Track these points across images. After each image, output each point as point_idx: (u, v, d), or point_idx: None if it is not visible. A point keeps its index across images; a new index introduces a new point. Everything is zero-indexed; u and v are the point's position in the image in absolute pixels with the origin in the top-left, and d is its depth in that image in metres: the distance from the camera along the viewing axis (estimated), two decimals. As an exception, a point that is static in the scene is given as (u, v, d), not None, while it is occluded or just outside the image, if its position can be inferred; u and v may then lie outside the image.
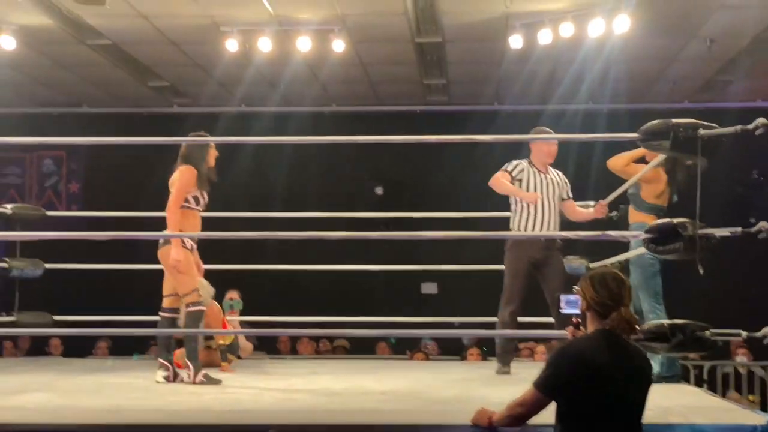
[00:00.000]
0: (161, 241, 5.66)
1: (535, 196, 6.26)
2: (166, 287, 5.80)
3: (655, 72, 10.37)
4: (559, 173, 6.58)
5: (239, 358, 6.88)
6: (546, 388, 3.33)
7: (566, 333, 3.56)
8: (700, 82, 10.77)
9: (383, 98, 11.67)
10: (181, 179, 5.73)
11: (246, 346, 7.76)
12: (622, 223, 6.76)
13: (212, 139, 5.93)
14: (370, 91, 11.40)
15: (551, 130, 6.43)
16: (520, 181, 6.41)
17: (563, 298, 3.53)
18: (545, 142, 6.36)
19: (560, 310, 3.53)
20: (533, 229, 6.34)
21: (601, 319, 3.33)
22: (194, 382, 5.37)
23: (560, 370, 3.31)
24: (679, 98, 11.15)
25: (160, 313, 5.77)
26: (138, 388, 5.19)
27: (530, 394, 3.38)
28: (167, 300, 5.77)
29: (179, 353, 5.80)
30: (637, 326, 3.37)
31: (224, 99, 11.29)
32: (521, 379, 5.75)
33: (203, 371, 5.44)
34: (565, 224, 6.50)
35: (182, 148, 5.92)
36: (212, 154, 5.92)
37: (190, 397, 4.72)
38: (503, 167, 6.52)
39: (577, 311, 3.49)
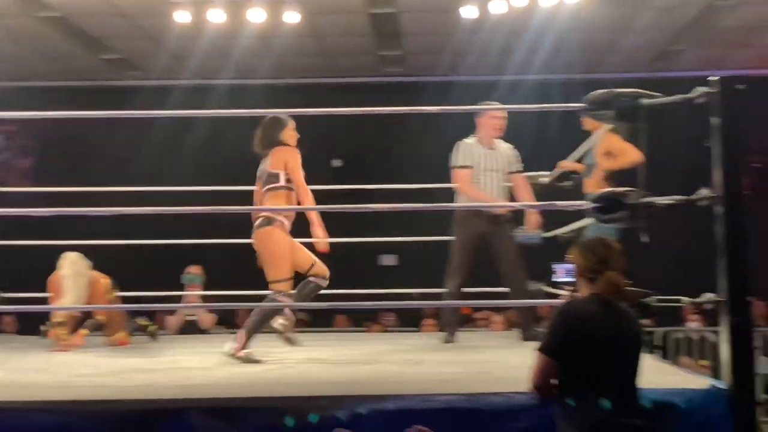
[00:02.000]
0: (261, 221, 5.37)
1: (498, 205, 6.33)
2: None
3: (609, 42, 10.43)
4: (510, 147, 6.58)
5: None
6: (552, 350, 3.40)
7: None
8: (654, 52, 10.85)
9: (339, 70, 11.64)
10: (295, 160, 5.44)
11: (206, 318, 7.76)
12: (576, 194, 6.81)
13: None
14: (326, 64, 11.37)
15: (498, 104, 6.45)
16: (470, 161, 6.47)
17: (560, 267, 3.63)
18: (491, 116, 6.42)
19: (556, 279, 3.61)
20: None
21: (591, 284, 3.45)
22: (238, 356, 5.19)
23: (562, 329, 3.40)
24: (634, 68, 11.22)
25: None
26: (86, 365, 5.16)
27: (540, 360, 3.44)
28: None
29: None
30: (625, 288, 3.45)
31: (177, 71, 11.19)
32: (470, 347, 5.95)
33: (244, 351, 5.19)
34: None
35: (263, 132, 5.63)
36: (290, 134, 5.62)
37: (138, 375, 4.70)
38: (456, 161, 6.55)
39: (572, 279, 3.60)
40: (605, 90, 4.12)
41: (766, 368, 7.63)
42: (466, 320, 9.39)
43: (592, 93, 4.15)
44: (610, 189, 4.06)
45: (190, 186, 7.50)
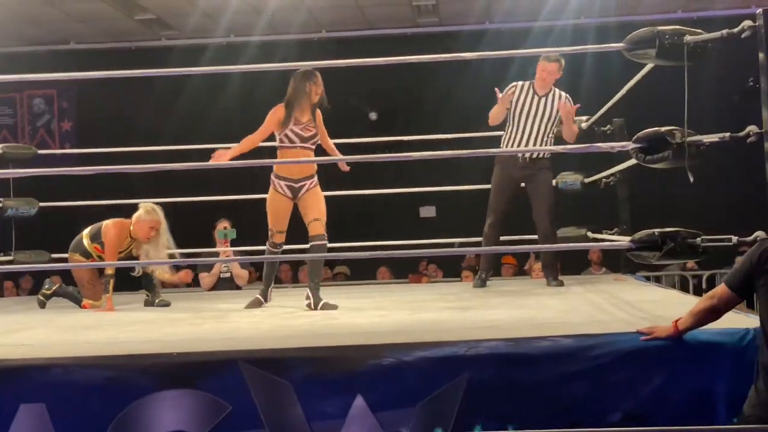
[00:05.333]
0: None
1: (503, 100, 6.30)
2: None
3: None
4: (564, 97, 6.45)
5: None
6: (731, 282, 3.30)
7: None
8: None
9: (372, 22, 11.55)
10: (268, 117, 5.64)
11: (241, 273, 7.78)
12: (617, 137, 6.74)
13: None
14: (359, 15, 11.27)
15: (557, 58, 6.33)
16: (512, 102, 6.39)
17: None
18: (540, 68, 6.34)
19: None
20: (515, 147, 6.37)
21: None
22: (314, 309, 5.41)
23: (742, 261, 3.29)
24: (670, 8, 11.01)
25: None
26: (136, 321, 5.22)
27: (720, 288, 3.36)
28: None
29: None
30: None
31: (210, 30, 11.17)
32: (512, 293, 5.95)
33: (323, 301, 5.44)
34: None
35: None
36: (313, 90, 5.66)
37: (188, 328, 4.74)
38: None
39: None
40: (647, 28, 4.05)
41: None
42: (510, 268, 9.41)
43: (634, 32, 4.08)
44: (655, 128, 3.99)
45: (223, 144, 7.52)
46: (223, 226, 7.50)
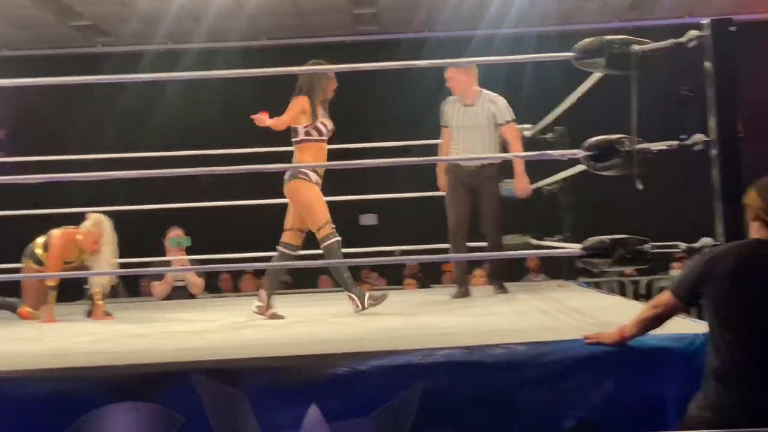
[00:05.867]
0: (287, 175, 5.52)
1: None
2: (288, 221, 5.64)
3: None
4: (495, 100, 6.49)
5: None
6: (676, 291, 3.32)
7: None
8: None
9: (313, 30, 11.52)
10: (289, 108, 5.54)
11: (198, 282, 7.63)
12: (559, 145, 6.82)
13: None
14: (300, 23, 11.24)
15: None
16: (448, 119, 6.49)
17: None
18: (448, 76, 6.41)
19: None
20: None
21: (764, 228, 3.21)
22: (364, 308, 5.32)
23: (688, 270, 3.30)
24: (609, 17, 11.18)
25: (278, 247, 5.60)
26: (81, 333, 5.13)
27: (665, 295, 3.39)
28: (287, 235, 5.62)
29: None
30: None
31: (148, 36, 11.05)
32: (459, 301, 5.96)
33: (368, 302, 5.35)
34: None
35: (298, 79, 5.69)
36: (329, 85, 5.67)
37: (137, 339, 4.68)
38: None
39: None
40: (596, 37, 4.09)
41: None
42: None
43: (583, 41, 4.12)
44: (605, 136, 4.04)
45: (171, 152, 7.45)
46: (175, 234, 7.37)
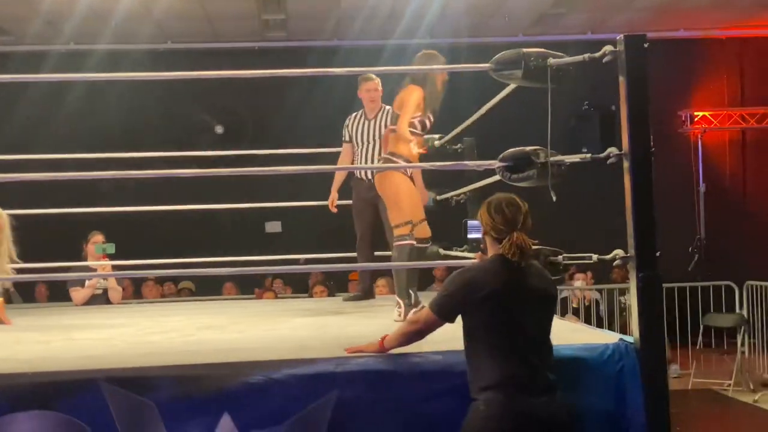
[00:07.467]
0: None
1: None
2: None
3: (493, 5, 10.49)
4: (392, 111, 6.44)
5: None
6: (439, 311, 3.48)
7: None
8: (535, 15, 10.97)
9: (221, 35, 11.41)
10: (409, 99, 5.23)
11: (119, 289, 7.35)
12: (467, 156, 6.86)
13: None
14: (208, 28, 11.11)
15: (376, 78, 6.40)
16: (350, 134, 6.53)
17: (469, 223, 3.61)
18: (364, 89, 6.43)
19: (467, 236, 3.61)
20: (358, 173, 6.44)
21: (497, 243, 3.45)
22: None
23: (450, 293, 3.47)
24: (514, 32, 11.33)
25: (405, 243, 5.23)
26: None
27: (425, 313, 3.55)
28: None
29: None
30: (531, 249, 3.45)
31: (51, 37, 10.78)
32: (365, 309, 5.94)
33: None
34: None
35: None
36: (440, 77, 5.39)
37: (37, 346, 4.53)
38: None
39: (479, 236, 3.65)
40: (513, 50, 4.13)
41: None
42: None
43: (501, 53, 4.16)
44: (520, 148, 4.07)
45: (71, 154, 7.24)
46: (99, 239, 7.12)
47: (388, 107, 6.37)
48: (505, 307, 3.37)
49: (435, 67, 5.33)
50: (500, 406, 3.30)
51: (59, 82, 10.19)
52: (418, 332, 3.59)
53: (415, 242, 5.28)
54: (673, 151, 11.77)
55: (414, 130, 5.30)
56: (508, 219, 3.43)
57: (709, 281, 10.14)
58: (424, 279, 9.15)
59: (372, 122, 6.44)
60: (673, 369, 9.34)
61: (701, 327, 9.73)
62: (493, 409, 3.31)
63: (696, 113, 12.42)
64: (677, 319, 9.73)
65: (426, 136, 6.65)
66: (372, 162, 6.29)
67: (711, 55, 12.41)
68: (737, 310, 9.70)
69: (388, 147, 5.44)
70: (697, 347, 9.82)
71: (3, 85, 10.17)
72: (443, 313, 3.48)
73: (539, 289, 3.48)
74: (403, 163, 5.25)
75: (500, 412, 3.30)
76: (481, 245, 3.72)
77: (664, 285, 9.65)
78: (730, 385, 8.94)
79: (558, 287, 9.00)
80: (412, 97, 5.26)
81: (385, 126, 6.24)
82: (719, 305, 9.94)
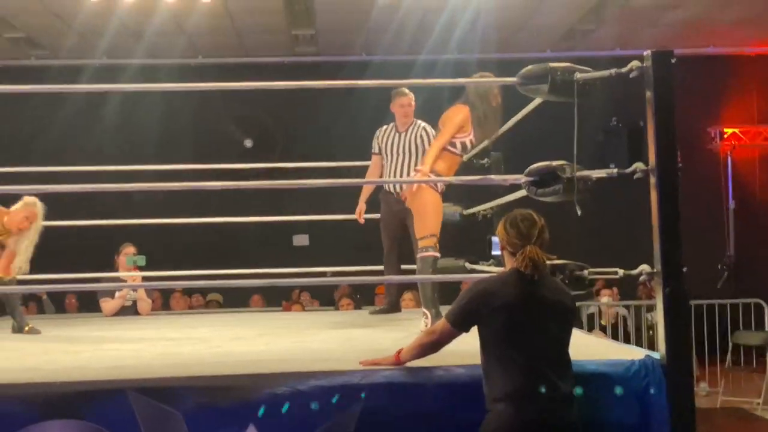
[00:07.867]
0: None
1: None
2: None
3: (521, 20, 10.50)
4: (426, 127, 6.39)
5: None
6: (454, 321, 3.53)
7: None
8: (563, 30, 10.97)
9: (251, 49, 11.49)
10: (453, 118, 5.36)
11: (149, 301, 7.41)
12: (494, 171, 6.87)
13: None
14: (238, 43, 11.20)
15: (408, 92, 6.41)
16: (379, 146, 6.47)
17: (494, 240, 3.66)
18: (398, 104, 6.36)
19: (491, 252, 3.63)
20: (386, 186, 6.42)
21: (512, 257, 3.53)
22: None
23: (464, 303, 3.52)
24: (542, 47, 11.33)
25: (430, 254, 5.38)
26: (6, 349, 5.01)
27: (441, 324, 3.59)
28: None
29: None
30: (546, 263, 3.49)
31: (86, 51, 10.91)
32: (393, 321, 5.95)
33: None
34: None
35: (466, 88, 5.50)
36: (494, 95, 5.46)
37: (66, 356, 4.57)
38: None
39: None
40: (540, 64, 4.14)
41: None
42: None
43: (527, 67, 4.17)
44: (546, 162, 4.08)
45: (106, 166, 7.33)
46: (131, 251, 7.19)
47: (421, 122, 6.40)
48: (518, 319, 3.42)
49: (465, 80, 5.38)
50: (511, 418, 3.34)
51: (93, 96, 10.34)
52: (435, 343, 3.63)
53: (439, 254, 5.36)
54: (702, 168, 11.73)
55: (452, 149, 5.37)
56: (522, 233, 3.51)
57: (738, 299, 10.09)
58: (452, 293, 9.19)
59: (402, 135, 6.43)
60: (702, 387, 9.29)
61: (730, 345, 9.67)
62: (504, 420, 3.35)
63: (726, 130, 12.38)
64: (706, 336, 9.68)
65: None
66: (400, 175, 6.31)
67: (740, 71, 12.36)
68: (767, 328, 9.63)
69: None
70: (726, 365, 9.74)
71: (39, 98, 10.34)
72: (458, 323, 3.52)
73: (554, 301, 3.51)
74: (434, 177, 5.30)
75: (510, 423, 3.34)
76: (501, 260, 3.76)
77: (693, 302, 9.73)
78: (759, 403, 8.86)
79: (585, 303, 9.14)
80: (457, 116, 5.37)
81: (415, 140, 6.29)
82: (748, 323, 9.88)
